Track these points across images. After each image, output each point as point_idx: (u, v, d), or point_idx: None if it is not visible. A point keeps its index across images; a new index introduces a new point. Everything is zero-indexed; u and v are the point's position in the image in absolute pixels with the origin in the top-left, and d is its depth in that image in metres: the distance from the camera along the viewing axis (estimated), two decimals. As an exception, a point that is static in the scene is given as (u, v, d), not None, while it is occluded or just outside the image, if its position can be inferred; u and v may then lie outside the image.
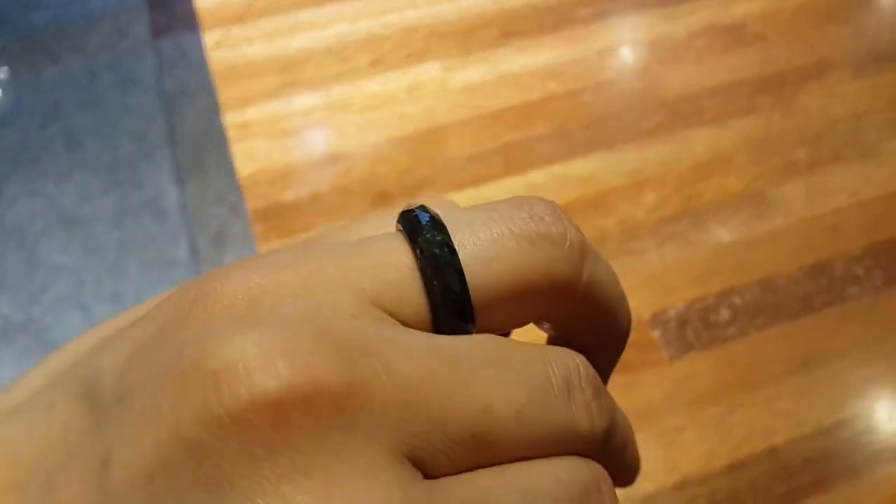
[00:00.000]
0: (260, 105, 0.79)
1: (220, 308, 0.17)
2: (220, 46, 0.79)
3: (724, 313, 0.63)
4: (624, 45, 0.76)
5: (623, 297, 0.23)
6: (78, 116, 1.51)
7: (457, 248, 0.19)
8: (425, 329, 0.19)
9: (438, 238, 0.18)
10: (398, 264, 0.19)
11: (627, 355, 0.61)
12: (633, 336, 0.65)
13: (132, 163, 1.39)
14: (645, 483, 0.56)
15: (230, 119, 0.76)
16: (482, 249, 0.19)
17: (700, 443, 0.57)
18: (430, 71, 0.74)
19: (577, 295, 0.20)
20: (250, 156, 0.75)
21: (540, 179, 0.70)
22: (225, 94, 0.76)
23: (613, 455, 0.21)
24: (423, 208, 0.20)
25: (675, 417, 0.59)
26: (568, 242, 0.19)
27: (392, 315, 0.18)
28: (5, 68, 1.51)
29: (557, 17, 0.77)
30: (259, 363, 0.15)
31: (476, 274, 0.19)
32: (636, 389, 0.60)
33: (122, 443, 0.15)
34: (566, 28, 0.76)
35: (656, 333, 0.62)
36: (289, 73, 0.81)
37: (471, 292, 0.19)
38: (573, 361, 0.19)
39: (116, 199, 1.38)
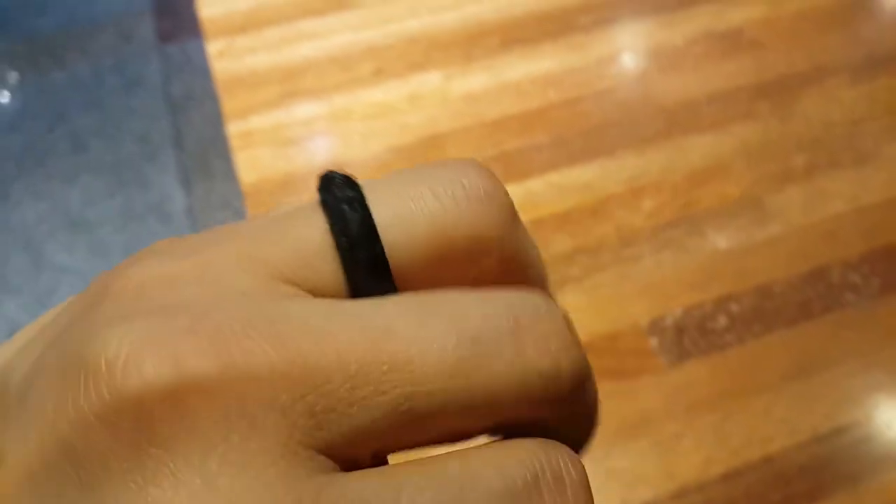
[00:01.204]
0: (263, 114, 0.79)
1: (110, 300, 0.16)
2: (223, 56, 0.79)
3: (722, 320, 0.64)
4: (623, 53, 0.77)
5: (546, 279, 0.20)
6: (83, 119, 1.52)
7: (371, 206, 0.17)
8: (342, 297, 0.16)
9: (350, 194, 0.17)
10: (309, 231, 0.17)
11: (625, 362, 0.62)
12: (630, 343, 0.66)
13: (137, 165, 1.40)
14: (643, 490, 0.56)
15: (234, 128, 0.77)
16: (399, 207, 0.17)
17: (697, 450, 0.58)
18: (431, 80, 0.74)
19: (504, 258, 0.18)
20: (253, 164, 0.76)
21: (538, 187, 0.70)
22: (229, 104, 0.77)
23: (581, 415, 0.17)
24: (338, 172, 0.18)
25: (673, 424, 0.59)
26: (498, 201, 0.17)
27: (302, 287, 0.16)
28: (14, 73, 1.52)
29: (558, 25, 0.77)
30: (124, 358, 0.14)
31: (391, 231, 0.17)
32: (634, 397, 0.60)
33: (14, 441, 0.15)
34: (566, 35, 0.77)
35: (654, 341, 0.63)
36: (291, 83, 0.82)
37: (386, 250, 0.17)
38: (531, 297, 0.16)
39: (122, 201, 1.38)
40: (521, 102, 0.74)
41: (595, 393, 0.17)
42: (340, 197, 0.17)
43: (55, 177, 1.36)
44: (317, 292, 0.16)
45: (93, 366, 0.14)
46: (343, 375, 0.14)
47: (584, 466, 0.16)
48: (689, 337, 0.63)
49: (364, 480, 0.14)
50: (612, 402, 0.59)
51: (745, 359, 0.62)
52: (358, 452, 0.15)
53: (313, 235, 0.17)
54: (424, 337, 0.15)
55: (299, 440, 0.14)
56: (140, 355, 0.14)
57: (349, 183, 0.17)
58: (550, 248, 0.65)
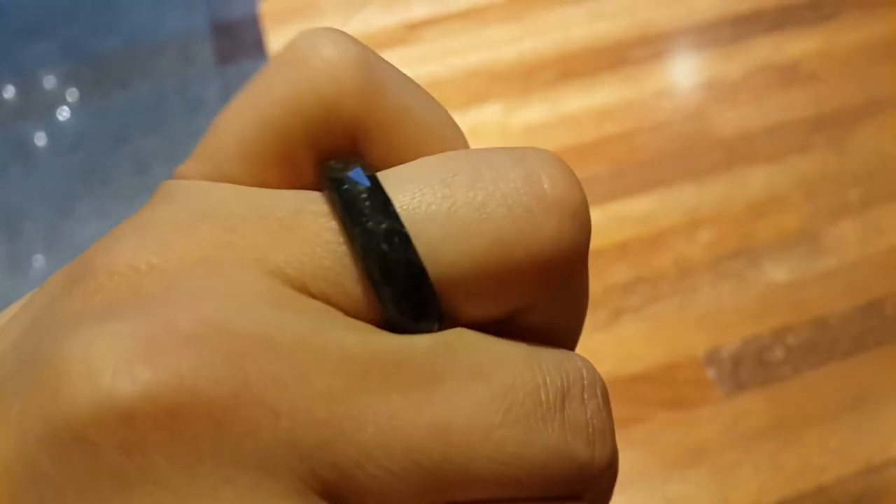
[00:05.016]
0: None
1: (92, 292, 0.13)
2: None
3: (778, 352, 0.65)
4: (679, 85, 0.78)
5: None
6: (146, 139, 1.56)
7: (422, 211, 0.14)
8: (370, 320, 0.14)
9: (384, 225, 0.13)
10: (336, 241, 0.14)
11: (683, 392, 0.63)
12: (688, 373, 0.67)
13: (198, 186, 1.43)
14: (700, 517, 0.58)
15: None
16: (456, 220, 0.14)
17: (753, 478, 0.59)
18: (490, 112, 0.76)
19: (575, 280, 0.15)
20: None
21: (597, 217, 0.72)
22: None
23: (601, 495, 0.15)
24: (359, 170, 0.14)
25: (729, 453, 0.61)
26: (581, 215, 0.14)
27: (323, 300, 0.14)
28: (75, 91, 1.57)
29: (614, 58, 0.79)
30: (112, 363, 0.12)
31: (444, 254, 0.14)
32: (692, 426, 0.62)
33: None
34: (623, 68, 0.79)
35: (711, 371, 0.64)
36: (356, 115, 0.84)
37: (434, 283, 0.14)
38: (574, 365, 0.15)
39: (182, 219, 1.42)
40: (579, 134, 0.76)
41: (614, 478, 0.16)
42: (375, 231, 0.13)
43: (119, 196, 1.40)
44: (341, 307, 0.14)
45: (69, 368, 0.12)
46: (375, 428, 0.12)
47: None
48: (746, 368, 0.64)
49: None
50: (670, 432, 0.61)
51: (801, 390, 0.64)
52: None
53: (344, 248, 0.14)
54: (468, 404, 0.13)
55: (319, 491, 0.12)
56: (135, 361, 0.12)
57: (381, 204, 0.14)
58: (609, 278, 0.67)
